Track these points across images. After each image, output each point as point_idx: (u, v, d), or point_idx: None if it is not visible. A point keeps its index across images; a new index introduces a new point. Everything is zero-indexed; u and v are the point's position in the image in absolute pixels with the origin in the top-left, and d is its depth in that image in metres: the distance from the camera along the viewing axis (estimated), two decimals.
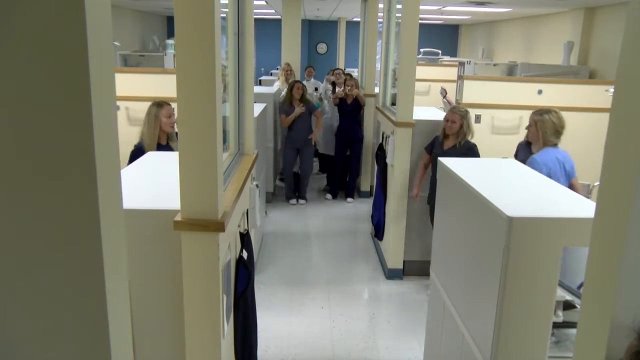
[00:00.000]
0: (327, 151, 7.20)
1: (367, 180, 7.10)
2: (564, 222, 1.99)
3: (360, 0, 8.12)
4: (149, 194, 2.30)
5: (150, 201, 2.19)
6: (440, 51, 9.57)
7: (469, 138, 4.20)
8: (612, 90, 1.16)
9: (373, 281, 4.71)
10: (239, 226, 2.59)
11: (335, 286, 4.56)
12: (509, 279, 1.96)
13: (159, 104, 3.47)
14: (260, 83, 9.24)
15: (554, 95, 4.98)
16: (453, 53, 12.92)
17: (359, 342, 3.70)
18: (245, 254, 2.55)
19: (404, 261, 4.71)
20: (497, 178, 2.62)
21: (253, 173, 3.39)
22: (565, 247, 1.96)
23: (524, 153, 3.64)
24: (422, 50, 8.98)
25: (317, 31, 14.81)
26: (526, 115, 3.60)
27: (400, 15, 4.66)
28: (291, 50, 8.13)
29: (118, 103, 4.07)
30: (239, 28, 3.26)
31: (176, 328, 2.11)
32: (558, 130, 3.41)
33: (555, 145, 3.41)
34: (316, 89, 7.84)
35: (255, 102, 3.73)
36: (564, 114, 3.50)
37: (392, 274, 4.72)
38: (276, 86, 7.80)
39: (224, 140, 2.98)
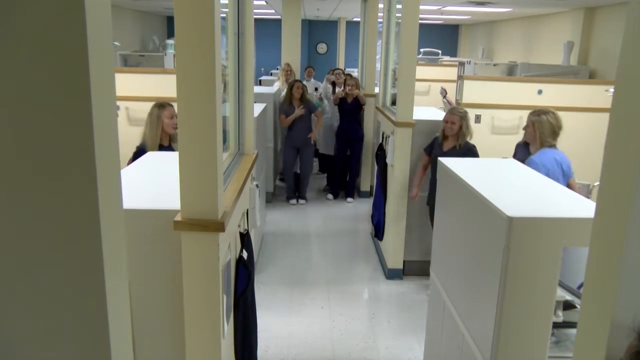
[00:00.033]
0: (327, 151, 7.20)
1: (367, 180, 7.10)
2: (564, 222, 1.99)
3: (360, 0, 8.12)
4: (149, 194, 2.30)
5: (150, 201, 2.19)
6: (440, 51, 9.57)
7: (468, 139, 4.20)
8: (612, 90, 1.16)
9: (373, 281, 4.71)
10: (239, 226, 2.59)
11: (335, 286, 4.56)
12: (509, 279, 1.96)
13: (161, 105, 3.45)
14: (260, 83, 9.23)
15: (554, 95, 4.98)
16: (453, 53, 12.91)
17: (359, 342, 3.70)
18: (245, 254, 2.55)
19: (404, 261, 4.71)
20: (497, 178, 2.62)
21: (253, 173, 3.39)
22: (565, 247, 1.96)
23: (522, 153, 3.64)
24: (422, 50, 8.98)
25: (317, 31, 14.81)
26: (526, 115, 3.60)
27: (400, 15, 4.66)
28: (291, 50, 8.13)
29: (118, 103, 4.07)
30: (239, 28, 3.26)
31: (176, 328, 2.11)
32: (555, 130, 3.40)
33: (552, 145, 3.40)
34: (316, 89, 7.84)
35: (255, 102, 3.73)
36: (564, 114, 3.49)
37: (392, 274, 4.72)
38: (276, 86, 7.80)
39: (224, 140, 2.98)
